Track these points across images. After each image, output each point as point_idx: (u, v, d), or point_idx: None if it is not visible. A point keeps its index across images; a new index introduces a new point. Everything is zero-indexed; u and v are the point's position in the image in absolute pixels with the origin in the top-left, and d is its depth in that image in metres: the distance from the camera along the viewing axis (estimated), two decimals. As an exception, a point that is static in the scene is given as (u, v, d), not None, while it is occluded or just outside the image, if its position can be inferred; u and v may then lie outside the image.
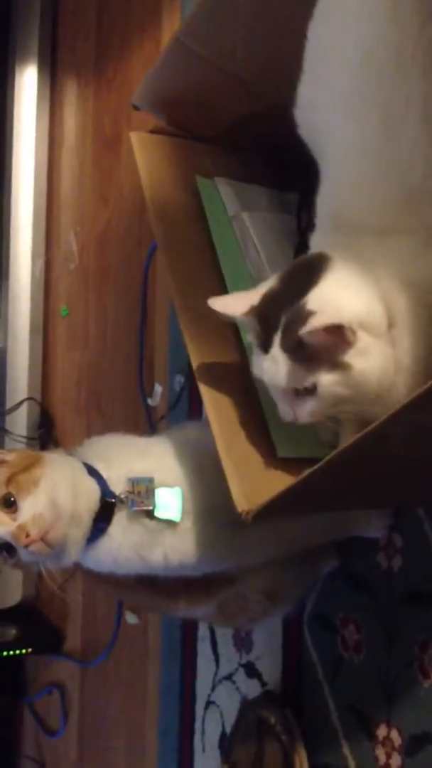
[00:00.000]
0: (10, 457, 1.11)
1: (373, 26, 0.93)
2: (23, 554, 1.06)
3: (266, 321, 0.99)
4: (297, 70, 1.05)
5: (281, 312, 0.97)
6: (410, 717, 1.21)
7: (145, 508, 1.11)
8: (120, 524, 1.12)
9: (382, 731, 1.25)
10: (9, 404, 2.21)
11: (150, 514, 1.11)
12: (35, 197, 2.28)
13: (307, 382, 0.96)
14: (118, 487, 1.12)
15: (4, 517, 1.05)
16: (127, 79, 2.08)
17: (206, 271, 1.11)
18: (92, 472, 1.13)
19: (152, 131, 1.34)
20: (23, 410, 2.20)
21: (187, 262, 1.24)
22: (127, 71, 2.08)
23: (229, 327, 1.18)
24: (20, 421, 2.20)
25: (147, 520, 1.12)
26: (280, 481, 1.04)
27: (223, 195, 1.33)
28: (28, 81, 2.29)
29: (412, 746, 1.21)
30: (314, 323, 0.92)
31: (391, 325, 0.96)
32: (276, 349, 0.97)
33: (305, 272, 0.99)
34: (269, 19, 1.15)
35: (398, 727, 1.23)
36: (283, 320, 0.97)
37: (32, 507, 1.05)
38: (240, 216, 1.31)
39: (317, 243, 1.06)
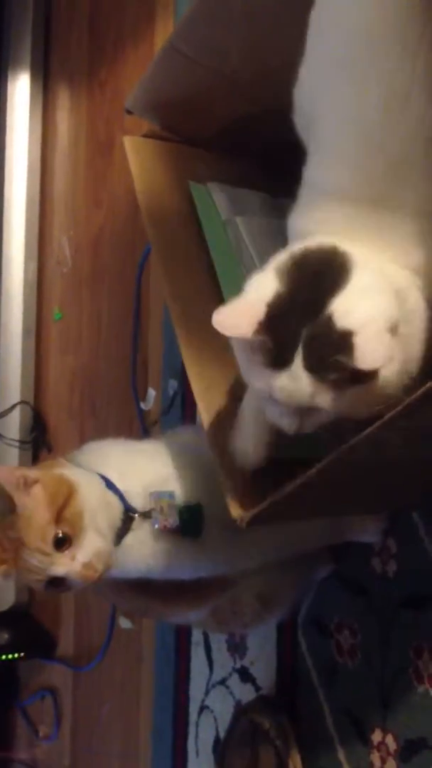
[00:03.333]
0: (35, 475, 1.05)
1: (379, 3, 0.91)
2: (76, 584, 1.05)
3: (278, 336, 0.87)
4: (292, 73, 1.05)
5: (300, 325, 0.86)
6: (405, 722, 1.21)
7: (170, 526, 1.10)
8: (135, 536, 1.12)
9: (377, 736, 1.25)
10: (1, 408, 2.20)
11: (175, 532, 1.11)
12: (28, 201, 2.27)
13: (336, 400, 0.86)
14: (135, 500, 1.12)
15: (61, 557, 1.02)
16: (120, 83, 2.07)
17: (201, 275, 1.11)
18: (110, 485, 1.12)
19: (145, 135, 1.34)
20: (16, 414, 2.20)
21: (181, 266, 1.24)
22: (120, 75, 2.07)
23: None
24: (13, 425, 2.20)
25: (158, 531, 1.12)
26: (274, 487, 1.04)
27: (216, 200, 1.33)
28: (20, 85, 2.29)
29: (407, 751, 1.20)
30: (367, 357, 0.82)
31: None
32: (298, 368, 0.86)
33: (322, 275, 0.89)
34: (264, 22, 1.15)
35: (393, 732, 1.23)
36: (304, 335, 0.86)
37: (91, 544, 1.04)
38: (233, 221, 1.30)
39: (305, 217, 1.01)
